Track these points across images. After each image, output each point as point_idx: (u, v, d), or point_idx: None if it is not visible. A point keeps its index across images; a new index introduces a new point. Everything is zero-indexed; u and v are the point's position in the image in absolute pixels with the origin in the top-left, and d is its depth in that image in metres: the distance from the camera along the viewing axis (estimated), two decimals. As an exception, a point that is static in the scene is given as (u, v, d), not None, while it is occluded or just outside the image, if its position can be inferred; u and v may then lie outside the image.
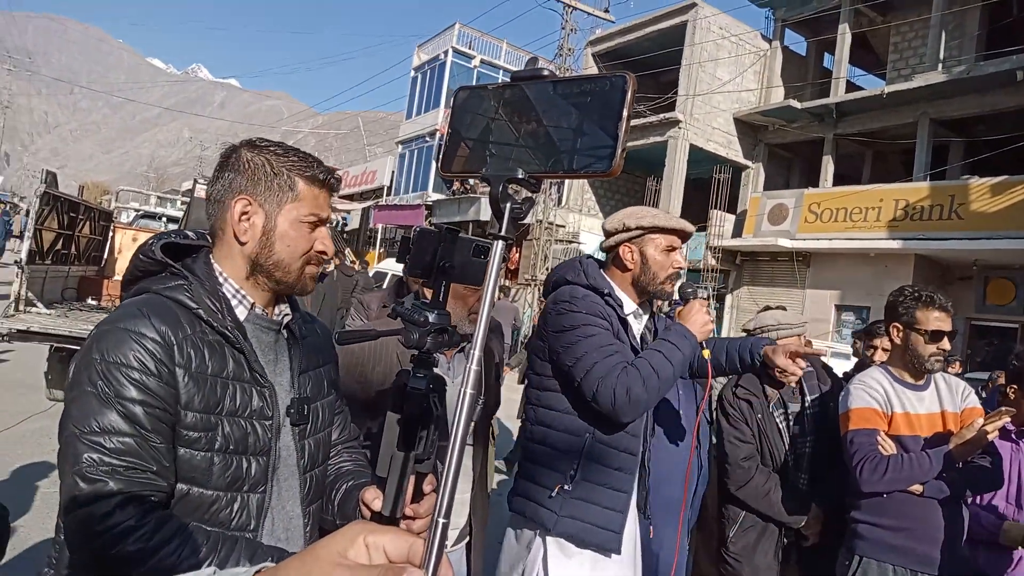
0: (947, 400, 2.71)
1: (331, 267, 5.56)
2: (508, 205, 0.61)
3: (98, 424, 1.16)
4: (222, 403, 1.27)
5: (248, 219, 1.35)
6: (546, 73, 0.62)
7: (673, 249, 2.37)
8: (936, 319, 2.70)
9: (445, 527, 0.65)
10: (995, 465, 2.60)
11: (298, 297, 1.51)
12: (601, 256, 2.57)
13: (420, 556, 0.68)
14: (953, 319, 2.72)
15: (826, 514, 3.08)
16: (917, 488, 2.55)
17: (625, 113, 0.56)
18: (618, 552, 2.25)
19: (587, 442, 2.25)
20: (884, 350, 3.91)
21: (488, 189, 0.62)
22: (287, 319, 1.45)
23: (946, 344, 2.69)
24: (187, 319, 1.28)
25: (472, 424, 2.19)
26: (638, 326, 2.46)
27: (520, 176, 0.61)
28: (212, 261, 1.37)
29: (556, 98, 0.61)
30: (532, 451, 2.39)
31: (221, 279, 1.36)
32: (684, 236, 2.40)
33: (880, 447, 2.60)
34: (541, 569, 2.28)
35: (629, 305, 2.42)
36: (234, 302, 1.36)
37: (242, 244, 1.35)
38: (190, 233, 1.43)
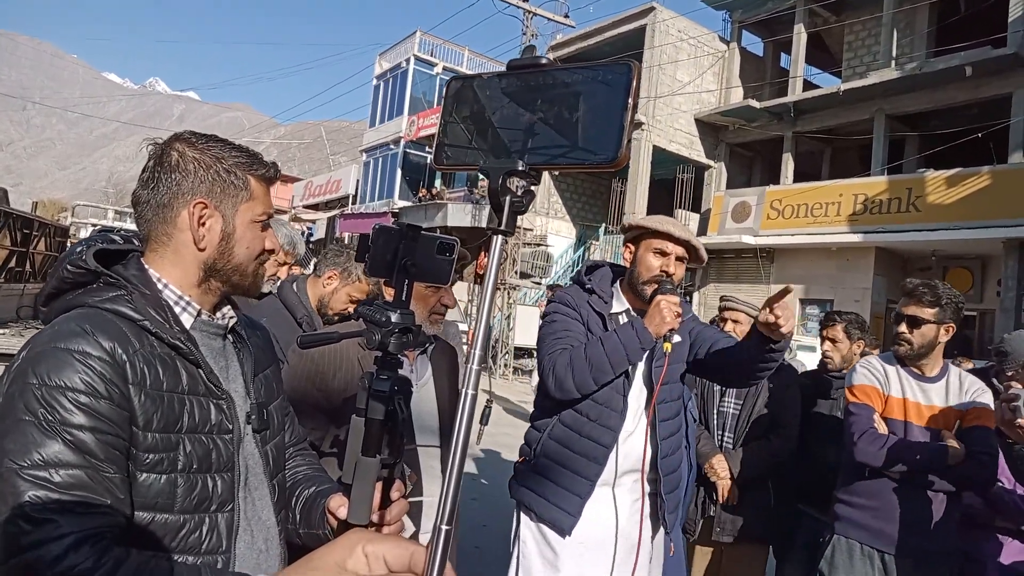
0: (954, 396, 2.72)
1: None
2: (508, 198, 0.59)
3: (41, 456, 1.02)
4: (181, 420, 1.18)
5: (204, 224, 1.26)
6: (544, 62, 0.60)
7: (665, 254, 2.40)
8: (901, 304, 2.77)
9: (448, 534, 0.63)
10: (988, 464, 2.57)
11: None
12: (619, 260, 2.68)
13: (422, 565, 0.66)
14: (936, 308, 2.69)
15: (745, 477, 3.37)
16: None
17: (630, 102, 0.54)
18: (570, 533, 2.33)
19: (554, 422, 2.43)
20: (831, 340, 3.99)
21: (475, 187, 0.61)
22: (232, 322, 1.37)
23: (901, 328, 2.73)
24: (133, 332, 1.16)
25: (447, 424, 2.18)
26: None
27: (521, 168, 0.59)
28: (146, 266, 1.26)
29: (556, 87, 0.59)
30: (527, 431, 2.61)
31: (160, 285, 1.25)
32: (675, 241, 2.41)
33: (875, 424, 2.66)
34: (517, 537, 2.48)
35: (620, 304, 2.50)
36: (178, 309, 1.26)
37: (201, 250, 1.26)
38: (116, 237, 1.31)
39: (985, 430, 2.60)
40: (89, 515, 1.03)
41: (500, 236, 0.59)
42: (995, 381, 3.29)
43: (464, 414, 0.57)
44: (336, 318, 2.83)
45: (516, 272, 19.26)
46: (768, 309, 2.04)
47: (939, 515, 2.63)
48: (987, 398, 2.71)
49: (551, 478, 2.38)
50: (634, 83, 0.54)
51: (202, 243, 1.26)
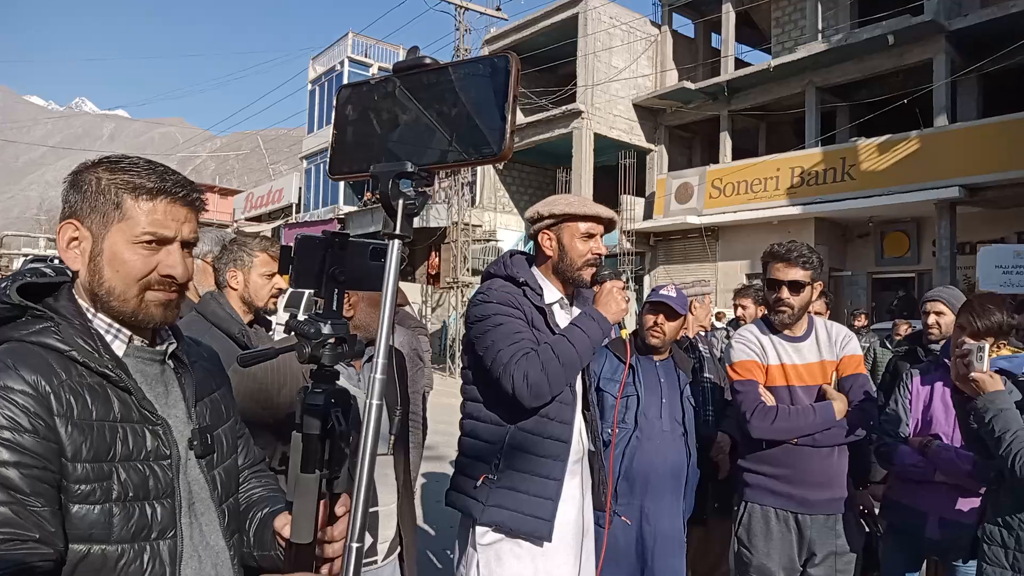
0: (826, 349, 2.81)
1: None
2: (400, 201, 0.57)
3: None
4: (113, 449, 1.16)
5: (78, 244, 1.23)
6: (428, 61, 0.59)
7: (591, 236, 2.34)
8: (777, 270, 2.76)
9: (360, 552, 0.62)
10: (868, 410, 2.74)
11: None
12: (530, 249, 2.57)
13: None
14: (811, 270, 2.73)
15: (733, 442, 3.33)
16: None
17: (511, 94, 0.53)
18: (549, 540, 2.24)
19: (510, 431, 2.27)
20: (744, 307, 4.02)
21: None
22: (172, 347, 1.34)
23: (783, 294, 2.72)
24: (60, 364, 1.16)
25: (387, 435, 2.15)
26: (565, 315, 2.42)
27: (409, 170, 0.57)
28: (76, 297, 1.25)
29: (440, 85, 0.58)
30: (462, 444, 2.41)
31: (90, 315, 1.24)
32: (600, 222, 2.36)
33: (763, 398, 2.73)
34: (476, 560, 2.29)
35: (552, 294, 2.40)
36: (109, 337, 1.24)
37: (74, 272, 1.25)
38: (47, 270, 1.28)
39: (860, 377, 2.77)
40: (18, 552, 1.02)
41: (396, 240, 0.57)
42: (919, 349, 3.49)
43: (369, 425, 0.56)
44: (272, 306, 2.78)
45: (468, 269, 19.21)
46: None
47: (838, 468, 2.76)
48: (855, 345, 2.85)
49: (521, 489, 2.25)
50: (513, 74, 0.53)
51: (73, 264, 1.24)
